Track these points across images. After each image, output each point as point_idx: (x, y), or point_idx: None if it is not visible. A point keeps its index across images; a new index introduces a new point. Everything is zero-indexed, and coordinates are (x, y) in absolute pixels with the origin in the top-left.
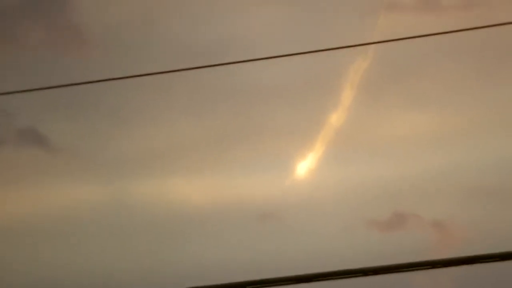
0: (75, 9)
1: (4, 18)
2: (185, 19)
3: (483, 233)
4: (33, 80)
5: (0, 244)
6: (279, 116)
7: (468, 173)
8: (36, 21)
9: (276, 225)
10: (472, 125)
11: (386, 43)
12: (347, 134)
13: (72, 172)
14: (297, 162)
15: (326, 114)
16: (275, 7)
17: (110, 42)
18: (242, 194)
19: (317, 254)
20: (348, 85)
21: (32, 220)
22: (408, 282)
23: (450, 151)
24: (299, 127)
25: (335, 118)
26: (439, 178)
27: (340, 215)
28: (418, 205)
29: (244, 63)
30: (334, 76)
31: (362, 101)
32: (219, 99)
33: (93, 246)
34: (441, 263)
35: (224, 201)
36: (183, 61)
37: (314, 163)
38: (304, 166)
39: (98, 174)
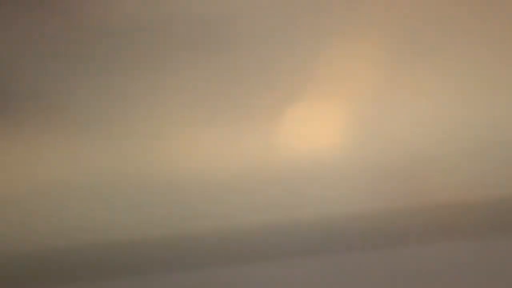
0: None
1: None
2: None
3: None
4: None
5: (29, 201)
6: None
7: (496, 149)
8: None
9: (275, 186)
10: (496, 102)
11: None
12: (365, 106)
13: (68, 134)
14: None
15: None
16: None
17: None
18: (241, 151)
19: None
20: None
21: (62, 178)
22: None
23: (463, 129)
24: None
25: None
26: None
27: (350, 180)
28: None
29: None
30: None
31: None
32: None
33: (87, 206)
34: None
35: (222, 159)
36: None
37: (325, 130)
38: (316, 132)
39: (103, 138)
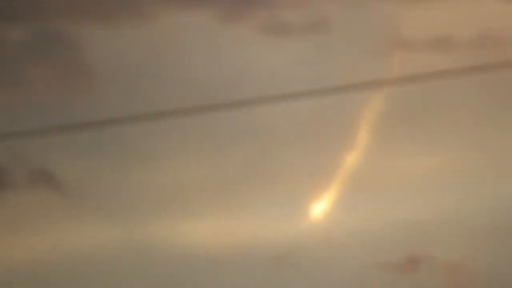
0: (85, 49)
1: (12, 58)
2: (196, 58)
3: (498, 275)
4: (44, 121)
5: None
6: (293, 157)
7: (484, 216)
8: (46, 60)
9: (289, 269)
10: (485, 167)
11: (400, 83)
12: (363, 176)
13: (84, 215)
14: (311, 205)
15: (341, 155)
16: (288, 45)
17: (120, 81)
18: (256, 237)
19: None
20: (362, 126)
21: (46, 264)
22: None
23: (464, 193)
24: (313, 168)
25: (350, 160)
26: (453, 220)
27: (354, 258)
28: (433, 248)
29: (258, 104)
30: (349, 117)
31: (376, 142)
32: (232, 140)
33: (104, 287)
34: None
35: (238, 244)
36: (196, 100)
37: (328, 206)
38: (318, 209)
39: (111, 215)
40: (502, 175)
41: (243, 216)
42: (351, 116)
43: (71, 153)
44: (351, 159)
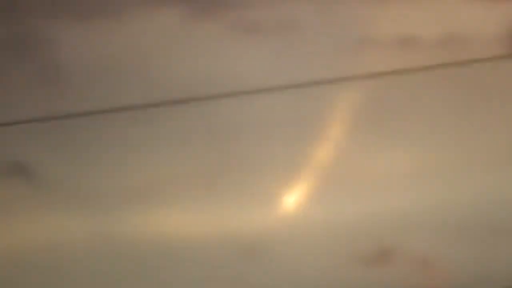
0: (58, 43)
1: None
2: (172, 52)
3: (471, 270)
4: (18, 113)
5: None
6: (266, 151)
7: (455, 210)
8: (19, 55)
9: (261, 260)
10: (460, 162)
11: (371, 78)
12: (334, 169)
13: (58, 206)
14: (284, 197)
15: (313, 148)
16: (260, 40)
17: (94, 75)
18: (227, 228)
19: None
20: (334, 120)
21: (19, 254)
22: None
23: (438, 188)
24: (286, 161)
25: (322, 153)
26: (427, 215)
27: (326, 251)
28: (406, 240)
29: (229, 98)
30: (321, 111)
31: (350, 136)
32: (204, 133)
33: (81, 280)
34: None
35: (209, 235)
36: (168, 94)
37: (300, 198)
38: (291, 201)
39: (84, 207)
40: (476, 169)
41: (215, 207)
42: (323, 110)
43: (45, 145)
44: (324, 152)
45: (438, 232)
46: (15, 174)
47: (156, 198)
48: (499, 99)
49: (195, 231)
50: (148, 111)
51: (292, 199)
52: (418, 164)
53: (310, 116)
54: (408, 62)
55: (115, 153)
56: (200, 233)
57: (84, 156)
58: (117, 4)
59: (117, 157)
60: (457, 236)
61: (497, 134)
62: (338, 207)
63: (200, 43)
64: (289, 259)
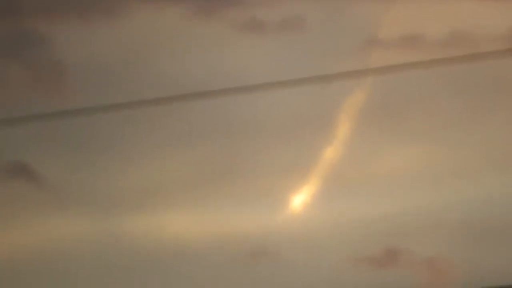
0: (58, 43)
1: None
2: (174, 50)
3: (476, 270)
4: (20, 112)
5: None
6: (273, 150)
7: (462, 210)
8: (18, 55)
9: (267, 262)
10: (466, 162)
11: (377, 76)
12: (342, 169)
13: (61, 207)
14: (291, 197)
15: (320, 148)
16: (268, 37)
17: (98, 73)
18: (234, 230)
19: None
20: (343, 119)
21: (21, 256)
22: None
23: (445, 187)
24: (293, 161)
25: (330, 153)
26: (433, 215)
27: (332, 251)
28: (411, 242)
29: (237, 96)
30: (329, 110)
31: (357, 135)
32: (212, 132)
33: (84, 282)
34: None
35: (216, 237)
36: (174, 92)
37: (308, 198)
38: (298, 201)
39: (88, 209)
40: (482, 169)
41: (221, 209)
42: (330, 109)
43: (47, 145)
44: (330, 152)
45: (445, 232)
46: (17, 175)
47: (161, 199)
48: (506, 95)
49: (201, 232)
50: (157, 109)
51: (300, 201)
52: (427, 164)
53: (317, 113)
54: (415, 59)
55: (122, 153)
56: (207, 234)
57: (85, 156)
58: (117, 4)
59: (118, 157)
60: (463, 235)
61: (504, 130)
62: (345, 208)
63: (205, 41)
64: (296, 260)
